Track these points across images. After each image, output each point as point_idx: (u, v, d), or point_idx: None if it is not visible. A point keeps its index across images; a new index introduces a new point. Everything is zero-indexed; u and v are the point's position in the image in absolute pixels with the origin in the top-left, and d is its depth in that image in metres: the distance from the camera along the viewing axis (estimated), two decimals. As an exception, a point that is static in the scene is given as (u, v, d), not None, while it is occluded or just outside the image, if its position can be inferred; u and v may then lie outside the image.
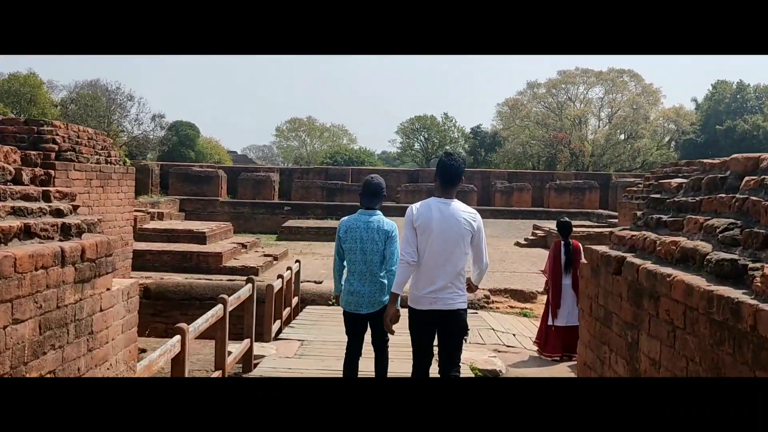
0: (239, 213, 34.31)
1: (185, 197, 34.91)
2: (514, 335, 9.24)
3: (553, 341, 7.76)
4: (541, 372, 7.37)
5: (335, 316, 10.08)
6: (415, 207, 4.62)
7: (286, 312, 9.55)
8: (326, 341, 8.19)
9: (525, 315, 10.89)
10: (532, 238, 25.30)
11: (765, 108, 52.59)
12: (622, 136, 55.27)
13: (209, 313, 6.20)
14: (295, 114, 71.53)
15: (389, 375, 5.32)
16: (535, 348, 8.06)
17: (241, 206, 34.74)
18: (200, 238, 23.76)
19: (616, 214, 33.65)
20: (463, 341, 4.83)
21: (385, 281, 5.08)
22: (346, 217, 5.33)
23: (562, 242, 7.97)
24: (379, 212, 5.27)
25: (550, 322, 7.87)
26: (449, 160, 4.67)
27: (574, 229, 25.02)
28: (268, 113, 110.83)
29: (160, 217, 25.99)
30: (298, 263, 10.85)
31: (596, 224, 28.26)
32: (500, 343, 8.53)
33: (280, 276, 9.02)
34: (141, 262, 22.15)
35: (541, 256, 22.80)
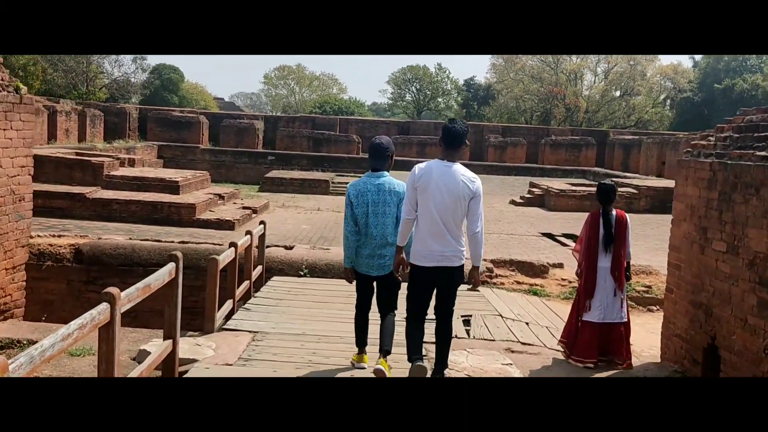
0: (220, 162, 31.96)
1: (164, 143, 32.48)
2: (527, 324, 7.20)
3: (585, 342, 5.73)
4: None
5: (305, 291, 8.00)
6: (418, 168, 4.70)
7: (242, 288, 7.45)
8: (286, 334, 6.12)
9: (535, 293, 8.87)
10: (528, 196, 23.25)
11: (765, 67, 50.28)
12: (618, 93, 52.89)
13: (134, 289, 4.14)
14: (285, 61, 68.28)
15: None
16: (561, 348, 6.04)
17: (222, 154, 32.36)
18: (173, 187, 21.48)
19: (617, 172, 31.75)
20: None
21: (394, 244, 4.93)
22: (353, 181, 5.22)
23: (602, 211, 5.88)
24: (386, 173, 5.13)
25: (580, 315, 5.85)
26: (452, 124, 4.81)
27: (572, 188, 23.00)
28: (257, 59, 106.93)
29: (131, 163, 23.66)
30: (262, 225, 8.71)
31: (594, 182, 26.22)
32: (513, 339, 6.48)
33: (232, 244, 6.89)
34: (107, 212, 19.92)
35: (539, 216, 20.85)
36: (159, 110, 35.06)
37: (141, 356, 5.23)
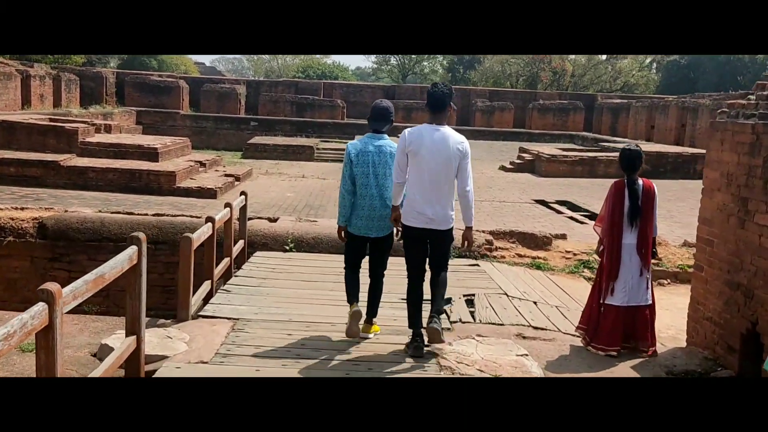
0: (202, 128, 30.86)
1: (143, 109, 31.28)
2: (535, 304, 6.52)
3: (607, 328, 5.04)
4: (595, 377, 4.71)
5: (291, 269, 7.26)
6: (408, 132, 4.77)
7: (221, 267, 6.69)
8: (270, 321, 5.37)
9: (539, 267, 8.19)
10: (518, 162, 22.54)
11: (752, 30, 49.44)
12: (604, 57, 52.00)
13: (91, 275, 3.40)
14: (267, 25, 65.97)
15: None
16: (579, 334, 5.34)
17: (203, 120, 31.24)
18: (152, 154, 20.50)
19: (605, 136, 31.09)
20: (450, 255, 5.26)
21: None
22: (352, 142, 5.23)
23: (627, 181, 5.13)
24: (386, 136, 5.14)
25: (602, 300, 5.15)
26: (434, 88, 4.86)
27: (563, 153, 22.30)
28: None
29: (108, 129, 22.58)
30: (243, 196, 7.92)
31: (585, 147, 25.55)
32: (524, 323, 5.79)
33: (209, 219, 6.09)
34: (83, 180, 18.96)
35: (531, 182, 20.18)
36: (137, 74, 33.73)
37: (102, 352, 4.49)
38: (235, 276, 6.87)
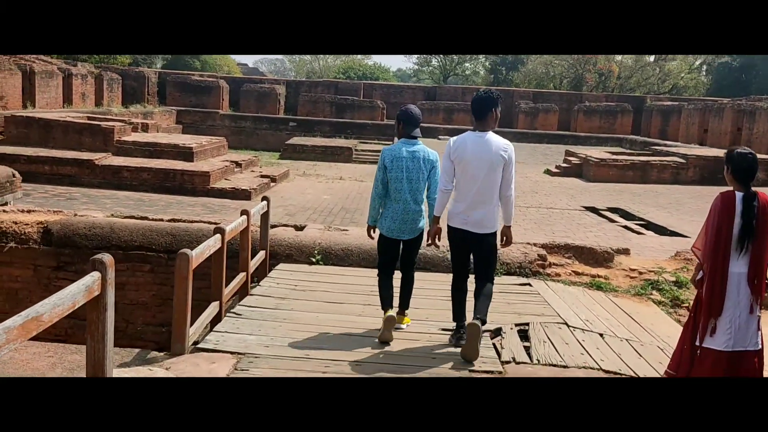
0: (241, 128, 30.26)
1: (183, 109, 30.83)
2: (601, 336, 5.39)
3: (705, 377, 3.93)
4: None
5: (315, 285, 6.28)
6: (452, 140, 4.79)
7: (233, 285, 5.73)
8: (283, 358, 4.37)
9: (599, 287, 7.05)
10: (564, 165, 21.24)
11: (809, 31, 46.87)
12: (651, 58, 49.98)
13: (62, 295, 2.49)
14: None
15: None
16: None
17: (242, 120, 30.62)
18: (186, 154, 19.83)
19: (655, 140, 29.43)
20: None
21: (424, 208, 5.17)
22: (388, 147, 5.20)
23: (738, 195, 3.94)
24: (420, 141, 5.18)
25: (698, 341, 4.00)
26: (478, 94, 4.86)
27: (613, 157, 20.91)
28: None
29: (145, 128, 21.99)
30: (265, 202, 6.96)
31: (635, 151, 24.07)
32: (593, 366, 4.67)
33: (218, 229, 5.14)
34: (117, 180, 18.37)
35: (579, 187, 18.90)
36: (178, 74, 33.35)
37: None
38: (251, 294, 5.92)
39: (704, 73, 51.50)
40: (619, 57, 50.63)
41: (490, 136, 4.70)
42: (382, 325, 4.92)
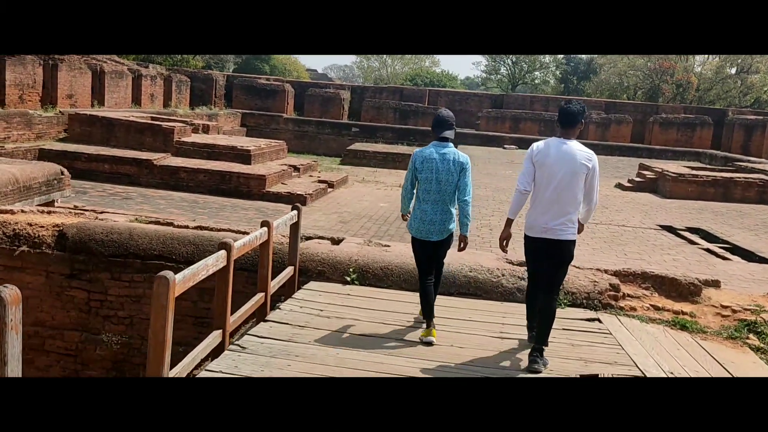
0: (303, 132, 29.78)
1: (248, 111, 30.62)
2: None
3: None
4: None
5: (345, 312, 5.34)
6: (536, 144, 4.80)
7: (248, 307, 4.85)
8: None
9: (684, 327, 5.84)
10: (638, 180, 19.65)
11: None
12: (733, 70, 47.01)
13: None
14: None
15: None
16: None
17: (305, 124, 30.14)
18: (244, 156, 19.33)
19: (737, 155, 27.27)
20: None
21: (454, 211, 5.16)
22: (419, 149, 5.21)
23: None
24: (451, 144, 5.18)
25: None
26: (567, 104, 4.85)
27: (692, 172, 19.20)
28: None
29: (206, 130, 21.66)
30: (295, 211, 6.07)
31: (716, 167, 22.17)
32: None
33: (223, 245, 4.25)
34: (174, 180, 18.00)
35: (653, 204, 17.32)
36: (245, 77, 33.21)
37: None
38: (266, 320, 5.02)
39: (790, 86, 48.11)
40: (698, 68, 47.92)
41: (574, 143, 4.68)
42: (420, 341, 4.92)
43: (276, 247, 6.41)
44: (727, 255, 11.05)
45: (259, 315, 5.17)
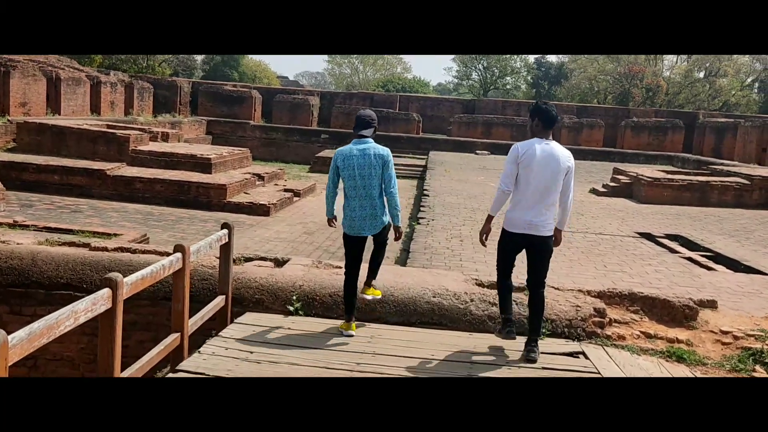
0: (271, 139, 28.74)
1: (213, 119, 29.48)
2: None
3: None
4: None
5: (279, 354, 4.36)
6: (520, 145, 4.88)
7: (152, 356, 3.85)
8: None
9: (680, 358, 4.98)
10: (612, 185, 18.97)
11: None
12: (701, 74, 47.01)
13: None
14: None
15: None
16: None
17: (273, 131, 29.11)
18: (205, 165, 18.21)
19: (710, 158, 26.84)
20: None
21: (382, 204, 5.17)
22: (340, 148, 5.28)
23: None
24: (371, 140, 5.23)
25: None
26: (548, 106, 4.95)
27: (667, 176, 18.54)
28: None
29: (165, 138, 20.52)
30: (225, 230, 5.09)
31: (692, 171, 21.60)
32: None
33: (107, 281, 3.27)
34: (129, 191, 16.81)
35: (630, 209, 16.56)
36: (211, 84, 32.10)
37: None
38: (177, 370, 4.02)
39: (756, 90, 48.30)
40: (667, 72, 47.85)
41: (555, 145, 4.85)
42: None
43: (207, 272, 5.42)
44: (711, 264, 10.28)
45: (174, 361, 4.18)
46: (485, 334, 5.05)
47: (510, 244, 4.87)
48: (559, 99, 43.34)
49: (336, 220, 5.32)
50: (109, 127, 19.86)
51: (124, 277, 3.49)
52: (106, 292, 3.20)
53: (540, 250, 4.85)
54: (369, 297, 5.15)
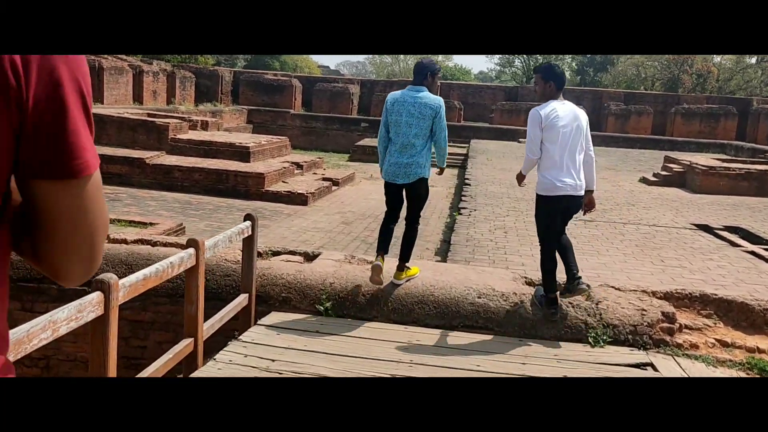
0: (311, 128, 28.31)
1: (254, 108, 29.18)
2: None
3: None
4: None
5: (303, 363, 3.83)
6: (539, 110, 4.78)
7: (156, 367, 3.36)
8: None
9: (763, 370, 4.27)
10: (664, 173, 17.94)
11: None
12: (754, 59, 44.84)
13: None
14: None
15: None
16: None
17: (313, 120, 28.66)
18: (243, 153, 17.87)
19: (764, 146, 25.37)
20: None
21: (423, 157, 4.93)
22: (393, 92, 5.14)
23: None
24: (425, 89, 4.96)
25: None
26: (559, 68, 4.97)
27: (723, 165, 17.43)
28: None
29: (205, 126, 20.25)
30: (248, 222, 4.60)
31: (746, 159, 20.35)
32: None
33: (99, 284, 2.79)
34: (168, 180, 16.58)
35: (683, 199, 15.57)
36: (251, 73, 31.82)
37: None
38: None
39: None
40: (717, 58, 45.78)
41: (570, 104, 4.88)
42: (370, 270, 4.83)
43: (230, 268, 4.93)
44: (780, 260, 9.40)
45: (187, 369, 3.69)
46: (537, 341, 4.43)
47: (553, 210, 4.79)
48: (604, 85, 41.88)
49: (382, 175, 5.12)
50: (149, 115, 19.69)
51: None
52: (96, 296, 2.71)
53: (572, 214, 4.89)
54: (402, 281, 4.86)
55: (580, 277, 4.75)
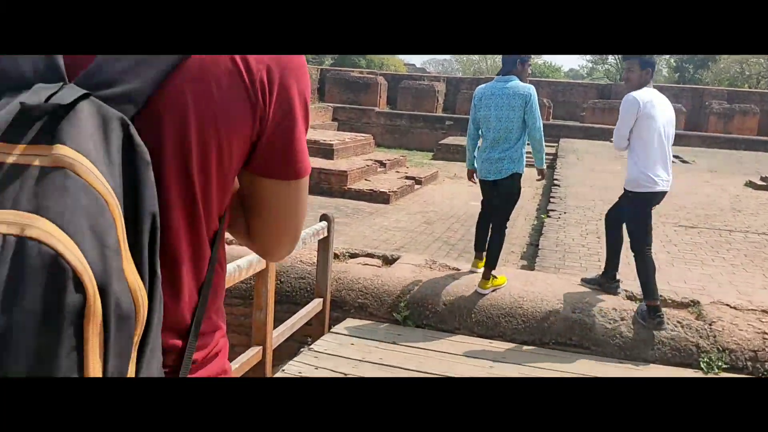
0: (395, 126, 28.10)
1: (339, 105, 29.27)
2: None
3: None
4: None
5: (381, 376, 3.48)
6: (637, 95, 4.35)
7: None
8: None
9: None
10: (774, 177, 16.52)
11: None
12: None
13: None
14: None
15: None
16: None
17: (398, 118, 28.42)
18: (327, 151, 17.84)
19: None
20: None
21: (517, 152, 4.64)
22: (480, 85, 4.93)
23: None
24: (515, 78, 4.66)
25: None
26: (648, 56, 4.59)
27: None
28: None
29: (290, 124, 20.34)
30: (324, 223, 4.30)
31: None
32: None
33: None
34: (253, 177, 16.90)
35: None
36: (337, 71, 31.96)
37: None
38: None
39: None
40: (834, 53, 42.19)
41: (658, 91, 4.55)
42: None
43: (305, 270, 4.67)
44: None
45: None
46: (641, 365, 3.92)
47: (649, 205, 4.45)
48: (705, 83, 39.45)
49: (477, 174, 4.95)
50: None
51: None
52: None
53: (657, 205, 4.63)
54: (488, 291, 4.54)
55: (620, 281, 4.68)
